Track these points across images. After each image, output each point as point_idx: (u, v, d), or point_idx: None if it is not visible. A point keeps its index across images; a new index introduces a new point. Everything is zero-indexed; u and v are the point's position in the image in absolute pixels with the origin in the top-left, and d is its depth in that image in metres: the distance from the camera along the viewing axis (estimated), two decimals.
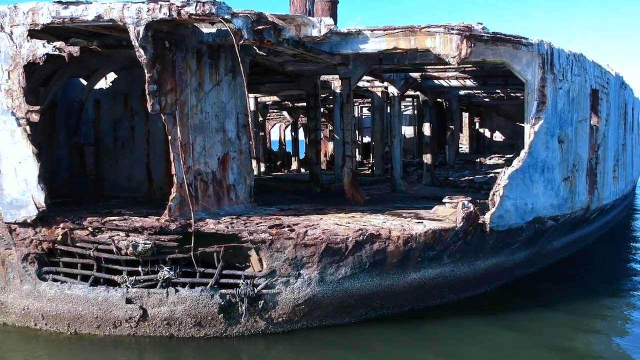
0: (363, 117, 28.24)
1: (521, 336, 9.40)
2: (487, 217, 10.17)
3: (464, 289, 10.90)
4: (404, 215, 11.04)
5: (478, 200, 11.24)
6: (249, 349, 9.07)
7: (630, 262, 14.80)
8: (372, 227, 9.65)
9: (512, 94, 20.82)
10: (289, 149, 32.63)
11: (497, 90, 20.27)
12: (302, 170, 27.63)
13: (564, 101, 11.24)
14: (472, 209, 10.06)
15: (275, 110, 28.07)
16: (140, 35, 8.70)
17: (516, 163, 10.41)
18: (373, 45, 10.09)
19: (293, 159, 28.27)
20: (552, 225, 11.50)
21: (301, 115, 28.56)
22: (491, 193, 10.37)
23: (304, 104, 23.05)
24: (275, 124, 34.31)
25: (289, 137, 33.00)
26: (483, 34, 9.75)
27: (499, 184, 10.23)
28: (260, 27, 8.86)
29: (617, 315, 10.68)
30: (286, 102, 24.40)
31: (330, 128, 29.57)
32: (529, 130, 10.62)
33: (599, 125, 13.29)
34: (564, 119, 11.28)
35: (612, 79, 14.63)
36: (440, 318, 10.05)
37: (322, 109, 19.92)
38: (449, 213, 10.75)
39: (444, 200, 11.23)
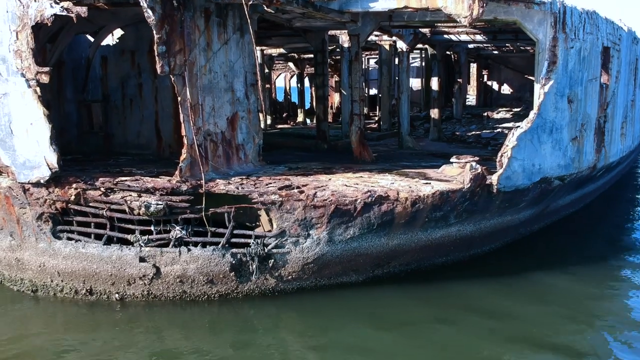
0: (370, 69, 27.94)
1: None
2: (494, 178, 10.26)
3: (470, 247, 11.12)
4: (411, 175, 11.13)
5: (485, 159, 11.34)
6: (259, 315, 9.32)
7: (630, 222, 15.01)
8: (380, 189, 9.76)
9: (521, 48, 20.54)
10: (294, 98, 32.49)
11: (506, 45, 20.00)
12: (308, 121, 27.60)
13: (574, 60, 11.13)
14: (479, 170, 10.13)
15: (281, 62, 27.76)
16: None
17: (525, 124, 10.41)
18: (383, 3, 9.97)
19: (299, 110, 28.14)
20: (558, 185, 11.59)
21: (307, 66, 28.29)
22: (499, 154, 10.41)
23: (311, 55, 22.95)
24: (280, 74, 33.98)
25: (294, 86, 32.81)
26: None
27: (507, 146, 10.26)
28: None
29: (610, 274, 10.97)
30: (292, 54, 24.13)
31: (337, 79, 29.35)
32: (539, 91, 10.56)
33: (609, 83, 13.17)
34: (574, 78, 11.20)
35: (624, 35, 14.40)
36: (443, 278, 10.31)
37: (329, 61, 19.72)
38: (457, 173, 10.83)
39: (451, 160, 11.29)
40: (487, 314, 9.06)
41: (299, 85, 28.35)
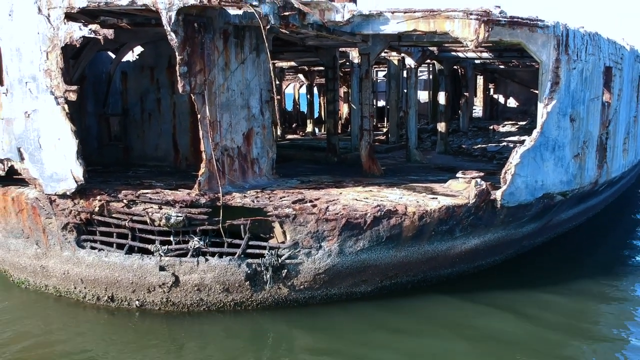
0: (378, 81, 28.43)
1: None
2: (498, 194, 10.70)
3: (474, 259, 11.54)
4: (418, 189, 11.58)
5: (490, 173, 11.77)
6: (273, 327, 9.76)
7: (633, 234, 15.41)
8: (389, 203, 10.23)
9: (527, 63, 20.99)
10: (302, 107, 32.95)
11: (512, 61, 20.46)
12: (316, 130, 28.09)
13: (577, 81, 11.58)
14: (484, 186, 10.58)
15: (291, 73, 28.31)
16: (172, 20, 9.13)
17: (528, 142, 10.86)
18: (393, 26, 10.43)
19: (308, 121, 28.64)
20: (560, 200, 12.01)
21: (317, 77, 28.81)
22: (503, 171, 10.85)
23: (320, 68, 23.47)
24: (289, 83, 34.50)
25: (302, 92, 33.22)
26: (500, 19, 10.06)
27: (510, 163, 10.71)
28: (286, 12, 9.25)
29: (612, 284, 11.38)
30: (303, 67, 24.66)
31: (345, 90, 29.84)
32: (542, 110, 11.01)
33: (611, 101, 13.61)
34: (576, 98, 11.64)
35: (627, 54, 14.83)
36: (449, 290, 10.75)
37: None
38: (462, 188, 11.28)
39: (457, 175, 11.74)
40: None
41: (308, 96, 28.86)
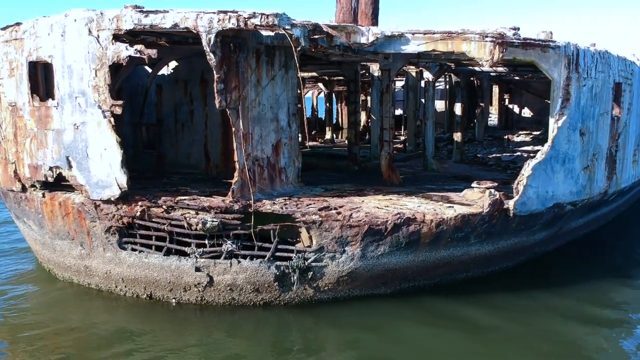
0: (396, 90, 29.15)
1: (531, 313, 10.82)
2: (511, 204, 11.40)
3: (488, 264, 12.24)
4: (436, 198, 12.31)
5: (504, 182, 12.46)
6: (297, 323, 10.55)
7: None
8: (408, 211, 10.98)
9: (541, 76, 21.58)
10: (320, 113, 33.73)
11: (528, 74, 21.11)
12: (334, 137, 28.86)
13: (587, 97, 12.24)
14: (497, 196, 11.30)
15: (311, 82, 29.13)
16: (211, 42, 9.96)
17: (540, 155, 11.55)
18: (413, 47, 11.17)
19: (327, 127, 29.45)
20: (570, 210, 12.68)
21: (336, 86, 29.60)
22: (515, 182, 11.56)
23: (340, 77, 24.27)
24: (308, 91, 35.30)
25: (321, 96, 33.95)
26: (514, 40, 10.78)
27: (522, 175, 11.41)
28: (316, 36, 10.05)
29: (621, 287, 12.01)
30: (323, 77, 25.48)
31: (363, 98, 30.59)
32: (553, 125, 11.69)
33: (621, 116, 14.24)
34: (586, 113, 12.30)
35: (637, 70, 15.43)
36: (465, 292, 11.47)
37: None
38: (477, 197, 12.00)
39: (472, 185, 12.46)
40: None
41: (327, 104, 29.63)
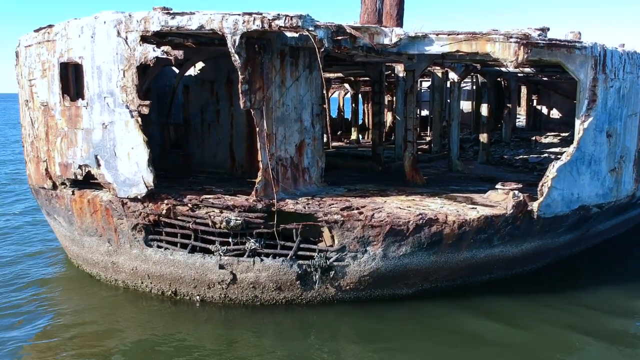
0: (422, 91, 29.08)
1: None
2: (535, 206, 11.32)
3: (511, 266, 12.17)
4: (459, 199, 12.28)
5: (530, 184, 12.36)
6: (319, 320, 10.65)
7: None
8: (430, 212, 10.98)
9: (569, 76, 21.31)
10: (346, 114, 33.84)
11: (556, 74, 20.86)
12: (360, 137, 28.92)
13: (614, 98, 12.09)
14: (521, 198, 11.23)
15: (337, 82, 29.24)
16: (236, 43, 10.11)
17: (565, 157, 11.45)
18: (437, 47, 11.17)
19: (352, 128, 29.51)
20: (596, 212, 12.53)
21: (362, 86, 29.66)
22: (540, 184, 11.47)
23: (366, 78, 24.31)
24: (335, 91, 35.42)
25: (347, 97, 34.06)
26: (539, 41, 10.71)
27: (547, 176, 11.32)
28: (339, 37, 10.14)
29: None
30: (349, 77, 25.54)
31: (389, 98, 30.58)
32: (579, 127, 11.58)
33: None
34: (613, 115, 12.15)
35: None
36: (486, 293, 11.43)
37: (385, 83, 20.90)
38: (501, 199, 11.94)
39: (496, 187, 12.40)
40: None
41: (353, 105, 29.70)
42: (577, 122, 11.73)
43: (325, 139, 25.19)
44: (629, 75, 12.55)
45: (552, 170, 11.34)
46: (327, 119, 25.86)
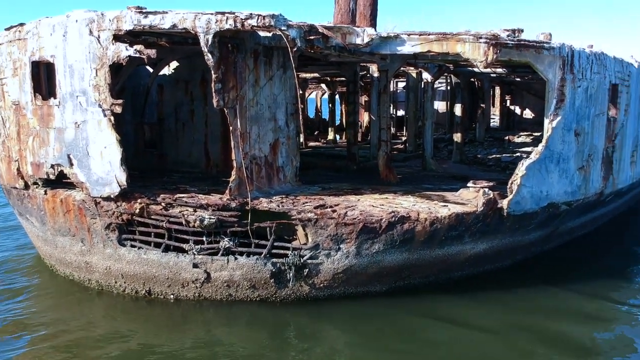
0: (398, 91, 29.33)
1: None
2: (505, 203, 11.53)
3: (483, 263, 12.38)
4: (431, 197, 12.46)
5: (501, 182, 12.61)
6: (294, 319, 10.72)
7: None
8: (402, 210, 11.13)
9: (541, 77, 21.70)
10: (324, 114, 33.96)
11: (529, 75, 21.21)
12: (337, 137, 29.07)
13: (582, 98, 12.36)
14: (492, 195, 11.43)
15: (314, 83, 29.34)
16: (209, 42, 10.14)
17: (534, 155, 11.68)
18: (409, 48, 11.31)
19: (330, 128, 29.63)
20: (565, 210, 12.80)
21: (339, 86, 29.78)
22: (510, 182, 11.69)
23: (343, 78, 24.43)
24: (312, 92, 35.49)
25: (324, 97, 34.16)
26: (508, 42, 10.92)
27: (517, 174, 11.54)
28: (311, 37, 10.23)
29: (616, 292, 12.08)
30: (326, 77, 25.65)
31: (366, 99, 30.76)
32: (547, 126, 11.82)
33: (617, 117, 14.33)
34: (581, 114, 12.42)
35: (634, 71, 15.51)
36: (458, 291, 11.61)
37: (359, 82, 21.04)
38: (472, 197, 12.14)
39: (468, 185, 12.60)
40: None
41: (330, 105, 29.83)
42: (546, 121, 11.97)
43: (302, 139, 25.46)
44: (596, 75, 12.84)
45: (521, 169, 11.56)
46: (302, 118, 26.02)
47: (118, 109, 10.85)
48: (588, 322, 10.49)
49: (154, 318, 10.74)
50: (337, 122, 31.08)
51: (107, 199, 11.18)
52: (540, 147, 11.77)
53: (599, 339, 9.90)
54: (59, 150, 11.44)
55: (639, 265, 13.94)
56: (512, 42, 11.01)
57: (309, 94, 35.00)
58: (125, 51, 10.53)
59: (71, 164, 11.34)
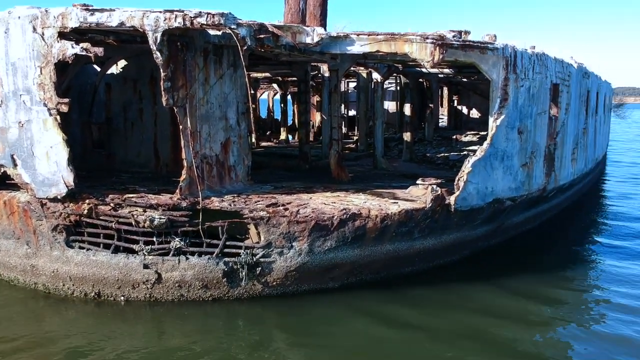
0: (349, 91, 29.63)
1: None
2: (452, 199, 11.85)
3: (432, 258, 12.67)
4: (382, 195, 12.68)
5: (449, 180, 12.96)
6: (247, 312, 10.74)
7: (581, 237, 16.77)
8: (354, 207, 11.29)
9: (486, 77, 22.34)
10: (276, 114, 34.02)
11: (474, 76, 21.80)
12: (290, 137, 29.16)
13: (524, 97, 12.81)
14: (439, 192, 11.73)
15: (266, 83, 29.34)
16: (158, 41, 10.05)
17: (479, 153, 12.04)
18: (358, 47, 11.50)
19: (282, 128, 29.68)
20: (510, 205, 13.23)
21: (290, 87, 29.87)
22: (456, 178, 12.02)
23: (294, 78, 24.53)
24: (264, 92, 35.47)
25: (276, 97, 34.21)
26: (454, 42, 11.23)
27: (463, 171, 11.88)
28: (262, 35, 10.27)
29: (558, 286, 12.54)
30: (277, 77, 25.69)
31: (318, 99, 30.97)
32: (492, 124, 12.21)
33: (559, 115, 14.91)
34: (523, 112, 12.87)
35: (574, 71, 16.17)
36: (410, 286, 11.86)
37: (311, 82, 21.20)
38: (421, 194, 12.40)
39: (417, 182, 12.87)
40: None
41: (282, 105, 29.88)
42: (490, 119, 12.35)
43: (254, 139, 25.42)
44: (538, 75, 13.33)
45: (467, 166, 11.90)
46: (253, 118, 25.97)
47: (64, 108, 10.63)
48: (523, 322, 10.55)
49: (104, 320, 10.54)
50: (290, 122, 31.21)
51: (54, 200, 10.94)
52: (485, 144, 12.14)
53: (530, 340, 9.94)
54: (2, 151, 11.11)
55: (578, 264, 14.39)
56: (458, 43, 11.33)
57: (261, 94, 34.99)
58: (71, 49, 10.33)
59: (15, 165, 11.03)
